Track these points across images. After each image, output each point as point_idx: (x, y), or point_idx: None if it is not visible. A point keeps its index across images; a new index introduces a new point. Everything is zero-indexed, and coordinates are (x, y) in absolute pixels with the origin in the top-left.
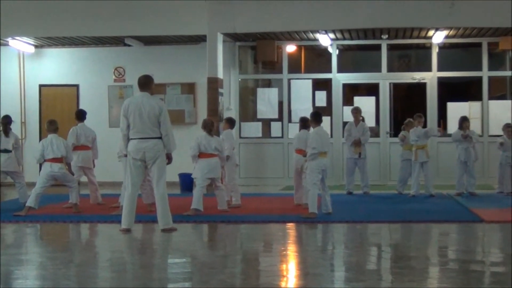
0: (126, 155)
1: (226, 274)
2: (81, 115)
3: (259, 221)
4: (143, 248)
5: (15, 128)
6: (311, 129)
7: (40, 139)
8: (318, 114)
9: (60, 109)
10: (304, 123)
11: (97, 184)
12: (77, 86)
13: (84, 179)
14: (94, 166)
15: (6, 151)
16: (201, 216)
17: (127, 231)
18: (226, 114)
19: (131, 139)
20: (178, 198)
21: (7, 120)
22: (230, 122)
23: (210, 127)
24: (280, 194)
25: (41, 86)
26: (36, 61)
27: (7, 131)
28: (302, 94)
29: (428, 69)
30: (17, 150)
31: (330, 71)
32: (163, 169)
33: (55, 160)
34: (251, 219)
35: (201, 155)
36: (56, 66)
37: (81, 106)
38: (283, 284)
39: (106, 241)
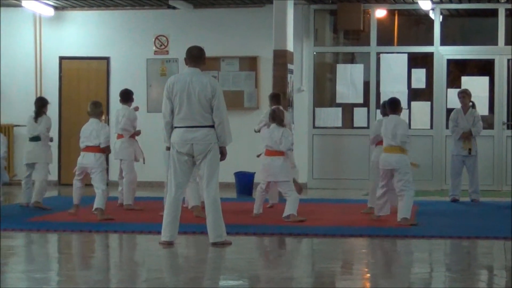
0: (169, 148)
1: None
2: (126, 97)
3: (337, 235)
4: (188, 267)
5: (30, 111)
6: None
7: (60, 124)
8: (396, 102)
9: (85, 88)
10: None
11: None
12: (107, 59)
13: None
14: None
15: (36, 139)
16: (262, 226)
17: (169, 244)
18: (296, 97)
19: (176, 127)
20: (234, 204)
21: (42, 102)
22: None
23: (281, 118)
24: (364, 201)
25: (61, 58)
26: (56, 27)
27: (37, 116)
28: (395, 73)
29: None
30: (45, 138)
31: (431, 43)
32: (215, 167)
33: (90, 149)
34: (326, 232)
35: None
36: (81, 34)
37: (113, 84)
38: None
39: (141, 257)
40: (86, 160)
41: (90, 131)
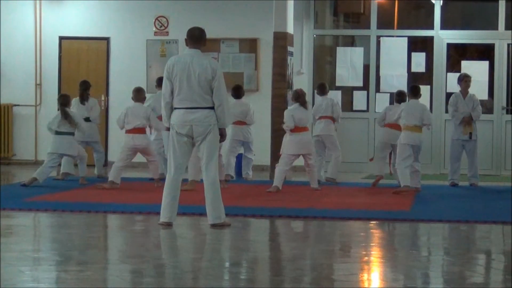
0: (168, 129)
1: (292, 283)
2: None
3: (336, 218)
4: (187, 248)
5: (29, 91)
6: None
7: None
8: (416, 88)
9: (85, 68)
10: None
11: None
12: (107, 39)
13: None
14: None
15: (86, 119)
16: (261, 208)
17: (168, 225)
18: (296, 79)
19: (176, 108)
20: (232, 185)
21: (86, 85)
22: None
23: (303, 98)
24: (363, 184)
25: (61, 38)
26: (56, 7)
27: (83, 98)
28: (395, 56)
29: None
30: (94, 119)
31: (431, 27)
32: (215, 148)
33: (137, 130)
34: (325, 215)
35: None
36: (81, 14)
37: (112, 64)
38: None
39: (139, 238)
40: (136, 141)
41: (134, 113)
